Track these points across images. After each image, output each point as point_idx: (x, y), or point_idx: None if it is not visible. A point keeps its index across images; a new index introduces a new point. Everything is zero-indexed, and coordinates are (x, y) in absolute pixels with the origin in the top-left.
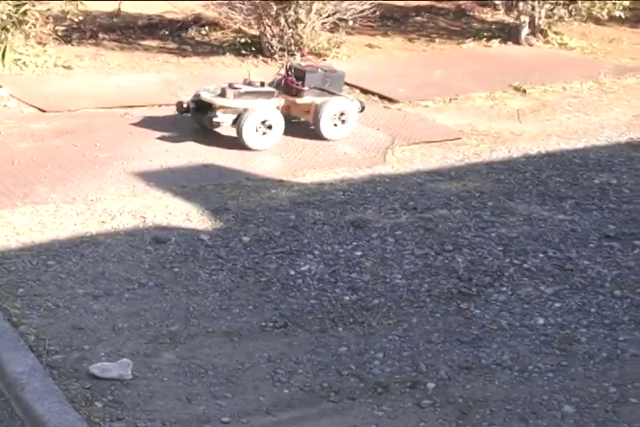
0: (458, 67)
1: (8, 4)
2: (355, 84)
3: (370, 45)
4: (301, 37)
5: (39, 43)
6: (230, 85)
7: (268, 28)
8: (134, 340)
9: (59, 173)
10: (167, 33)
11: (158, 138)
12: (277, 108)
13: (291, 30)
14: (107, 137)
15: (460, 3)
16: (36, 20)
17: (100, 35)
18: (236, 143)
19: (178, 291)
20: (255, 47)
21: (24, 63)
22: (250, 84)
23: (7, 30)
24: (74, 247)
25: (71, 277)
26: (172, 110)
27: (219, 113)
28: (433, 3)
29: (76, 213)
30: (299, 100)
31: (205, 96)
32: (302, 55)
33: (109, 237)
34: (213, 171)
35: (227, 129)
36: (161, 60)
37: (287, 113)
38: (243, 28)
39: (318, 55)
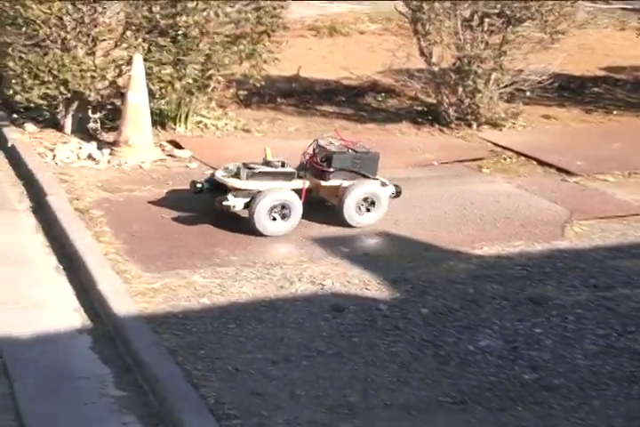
0: (637, 140)
1: (195, 68)
2: (531, 156)
3: (546, 116)
4: (478, 107)
5: (220, 106)
6: (245, 165)
7: (445, 97)
8: (312, 408)
9: (239, 237)
10: (344, 99)
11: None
12: (301, 190)
13: (468, 99)
14: None
15: (638, 74)
16: (219, 83)
17: (279, 99)
18: (412, 211)
19: (356, 361)
20: (432, 115)
21: (205, 125)
22: (268, 163)
23: (192, 93)
24: (253, 311)
25: (250, 341)
26: None
27: (230, 196)
28: (610, 74)
29: (255, 277)
30: (324, 183)
31: (219, 176)
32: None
33: (288, 303)
34: (392, 239)
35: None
36: (337, 126)
37: (316, 196)
38: (419, 95)
39: (495, 125)
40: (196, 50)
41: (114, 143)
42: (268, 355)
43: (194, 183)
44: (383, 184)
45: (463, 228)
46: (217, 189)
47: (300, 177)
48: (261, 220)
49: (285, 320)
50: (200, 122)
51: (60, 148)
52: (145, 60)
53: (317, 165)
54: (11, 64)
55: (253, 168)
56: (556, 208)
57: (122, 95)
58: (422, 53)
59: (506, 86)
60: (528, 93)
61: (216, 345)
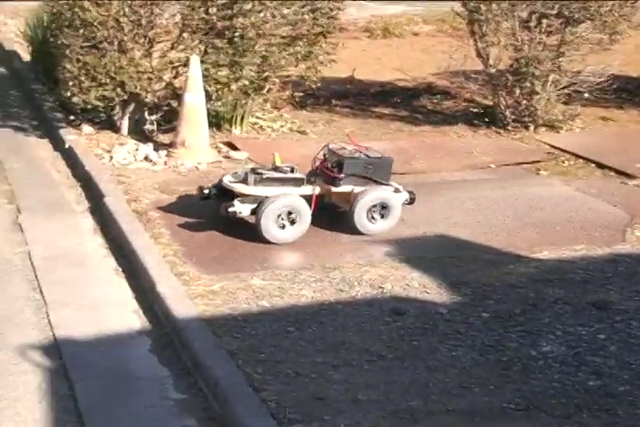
0: None
1: (251, 70)
2: (589, 158)
3: (604, 118)
4: (536, 109)
5: (275, 107)
6: (253, 170)
7: (502, 99)
8: (374, 413)
9: (298, 238)
10: (399, 100)
11: None
12: (311, 196)
13: (525, 101)
14: None
15: None
16: (274, 85)
17: (334, 101)
18: (470, 214)
19: (417, 365)
20: (488, 117)
21: (260, 127)
22: (276, 169)
23: (248, 95)
24: (313, 315)
25: (311, 344)
26: (406, 179)
27: (236, 202)
28: None
29: (314, 280)
30: (334, 189)
31: (226, 181)
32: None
33: (348, 306)
34: (450, 242)
35: (453, 203)
36: (393, 128)
37: (328, 202)
38: (475, 97)
39: (552, 127)
40: (252, 51)
41: (170, 145)
42: (328, 359)
43: (201, 189)
44: (396, 190)
45: (522, 231)
46: (224, 194)
47: (310, 183)
48: (268, 226)
49: (346, 324)
50: (255, 123)
51: (117, 149)
52: (201, 61)
53: (328, 170)
54: (68, 66)
55: (261, 173)
56: (616, 212)
57: (178, 97)
58: (479, 55)
59: (563, 88)
60: (586, 95)
61: (276, 348)
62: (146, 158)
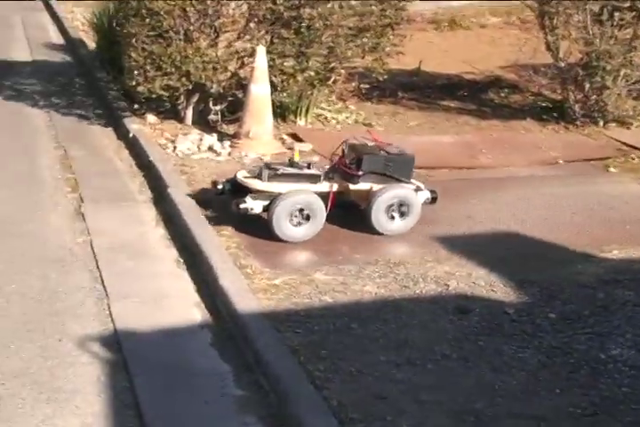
0: None
1: (317, 61)
2: None
3: None
4: (606, 104)
5: (340, 99)
6: (268, 165)
7: (571, 93)
8: (437, 414)
9: (361, 233)
10: (465, 94)
11: (459, 202)
12: (328, 193)
13: (595, 96)
14: None
15: None
16: (340, 76)
17: (399, 93)
18: (538, 211)
19: (482, 366)
20: (557, 112)
21: (325, 119)
22: (293, 164)
23: (314, 86)
24: (377, 311)
25: (374, 342)
26: (473, 174)
27: (248, 198)
28: None
29: (378, 276)
30: (352, 186)
31: (240, 177)
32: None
33: (412, 303)
34: (517, 240)
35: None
36: (460, 122)
37: (346, 199)
38: (544, 91)
39: (622, 123)
40: (318, 42)
41: (234, 135)
42: (391, 357)
43: (215, 184)
44: (417, 189)
45: (591, 229)
46: (238, 190)
47: (329, 179)
48: (280, 224)
49: (409, 321)
50: (320, 115)
51: (181, 139)
52: (267, 51)
53: (346, 167)
54: (134, 55)
55: (275, 169)
56: None
57: (243, 87)
58: (548, 48)
59: (635, 83)
60: None
61: (338, 345)
62: (210, 149)
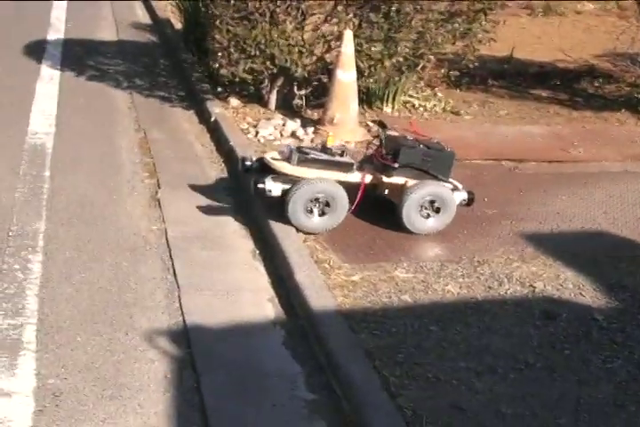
0: None
1: (406, 46)
2: None
3: None
4: None
5: (428, 86)
6: (299, 149)
7: None
8: None
9: (445, 228)
10: (558, 83)
11: (547, 197)
12: (359, 184)
13: None
14: (495, 192)
15: None
16: (429, 62)
17: (490, 81)
18: (631, 210)
19: (568, 377)
20: None
21: (413, 106)
22: (325, 150)
23: (402, 72)
24: (458, 313)
25: (453, 347)
26: (563, 168)
27: (268, 179)
28: None
29: (461, 275)
30: (386, 179)
31: (268, 158)
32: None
33: (496, 306)
34: (608, 240)
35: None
36: (551, 112)
37: (379, 193)
38: None
39: None
40: (408, 27)
41: (318, 121)
42: (472, 364)
43: (243, 160)
44: (455, 188)
45: None
46: (266, 171)
47: (361, 170)
48: (296, 212)
49: (492, 326)
50: (408, 102)
51: (264, 124)
52: (355, 36)
53: (382, 158)
54: (218, 37)
55: (306, 153)
56: None
57: (329, 72)
58: None
59: None
60: None
61: (416, 349)
62: (292, 135)
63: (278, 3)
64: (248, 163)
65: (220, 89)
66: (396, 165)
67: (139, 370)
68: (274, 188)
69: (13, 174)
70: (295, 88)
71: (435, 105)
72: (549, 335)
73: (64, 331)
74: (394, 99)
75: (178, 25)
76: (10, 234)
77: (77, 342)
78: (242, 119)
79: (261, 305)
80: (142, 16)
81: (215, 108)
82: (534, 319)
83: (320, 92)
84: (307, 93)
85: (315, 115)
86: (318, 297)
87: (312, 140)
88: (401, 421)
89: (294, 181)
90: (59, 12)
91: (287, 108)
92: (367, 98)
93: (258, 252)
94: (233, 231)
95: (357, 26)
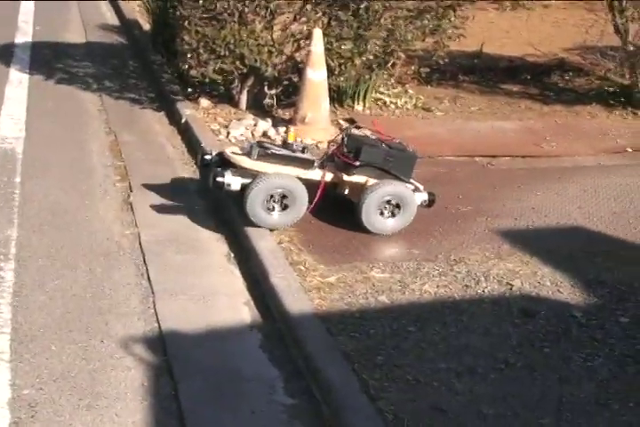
0: None
1: (376, 44)
2: None
3: None
4: None
5: (399, 83)
6: (259, 144)
7: None
8: None
9: (419, 226)
10: (528, 77)
11: (522, 193)
12: (319, 182)
13: None
14: (468, 189)
15: None
16: (399, 59)
17: (460, 76)
18: (606, 204)
19: (548, 376)
20: (624, 97)
21: (384, 103)
22: (286, 146)
23: (372, 70)
24: (435, 313)
25: (432, 347)
26: (536, 163)
27: (228, 172)
28: None
29: (437, 274)
30: (346, 177)
31: (228, 152)
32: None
33: (473, 305)
34: (584, 235)
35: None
36: (523, 107)
37: (339, 192)
38: (611, 76)
39: None
40: (377, 24)
41: (290, 121)
42: (451, 364)
43: (203, 154)
44: (416, 189)
45: None
46: (225, 165)
47: (322, 167)
48: (255, 207)
49: (471, 325)
50: (379, 99)
51: (235, 125)
52: (324, 34)
53: (343, 156)
54: (187, 38)
55: (267, 148)
56: None
57: (299, 71)
58: (617, 31)
59: None
60: None
61: (395, 351)
62: (264, 135)
63: (247, 2)
64: (208, 157)
65: (190, 90)
66: (357, 164)
67: (115, 378)
68: (233, 182)
69: None
70: (266, 88)
71: (406, 102)
72: (528, 333)
73: (38, 340)
74: (365, 97)
75: (146, 26)
76: None
77: (52, 351)
78: (213, 120)
79: (237, 309)
80: (110, 17)
81: (186, 110)
82: (512, 317)
83: (290, 92)
84: (277, 93)
85: (286, 114)
86: (295, 300)
87: (283, 140)
88: (382, 424)
89: (254, 175)
90: (26, 16)
91: (258, 108)
92: (338, 96)
93: (232, 255)
94: (207, 234)
95: (327, 24)
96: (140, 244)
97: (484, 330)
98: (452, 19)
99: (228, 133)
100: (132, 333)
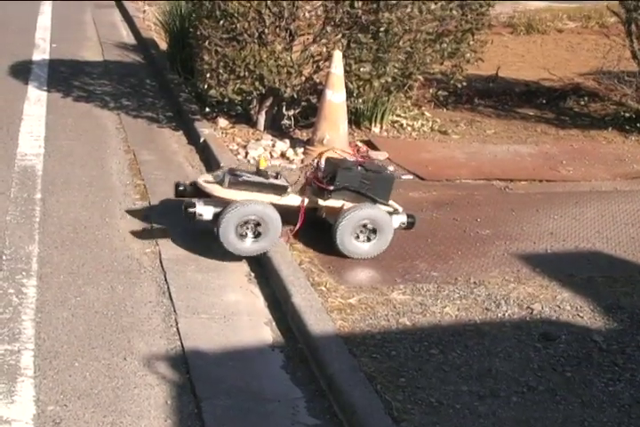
0: None
1: (395, 66)
2: None
3: None
4: None
5: (415, 105)
6: (231, 171)
7: None
8: None
9: (439, 249)
10: (544, 101)
11: (540, 217)
12: (298, 208)
13: None
14: (487, 212)
15: None
16: (417, 82)
17: (476, 100)
18: (624, 229)
19: (571, 400)
20: None
21: (401, 126)
22: (259, 173)
23: (390, 92)
24: (457, 336)
25: (455, 370)
26: (553, 187)
27: (199, 202)
28: None
29: (458, 297)
30: (322, 202)
31: (200, 181)
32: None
33: (494, 328)
34: (603, 260)
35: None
36: (539, 131)
37: (319, 215)
38: (627, 101)
39: None
40: (396, 47)
41: (308, 142)
42: (474, 387)
43: (177, 185)
44: (395, 212)
45: None
46: (200, 194)
47: (302, 193)
48: (228, 235)
49: (492, 348)
50: (396, 122)
51: (253, 145)
52: (344, 56)
53: (317, 181)
54: (206, 58)
55: (239, 175)
56: None
57: (318, 92)
58: (634, 56)
59: None
60: None
61: (417, 373)
62: (282, 155)
63: (267, 23)
64: (181, 188)
65: (208, 109)
66: (331, 188)
67: (138, 396)
68: (205, 211)
69: (4, 197)
70: (284, 108)
71: (422, 124)
72: (550, 358)
73: (61, 356)
74: (382, 119)
75: (163, 45)
76: (3, 258)
77: (75, 368)
78: (231, 140)
79: (259, 329)
80: (126, 36)
81: (204, 129)
82: (534, 341)
83: (308, 113)
84: (295, 114)
85: (304, 135)
86: (317, 321)
87: (302, 161)
88: None
89: (227, 204)
90: (43, 33)
91: (276, 129)
92: (356, 118)
93: (253, 274)
94: (227, 253)
95: (346, 46)
96: (160, 262)
97: (505, 354)
98: (471, 42)
99: (247, 154)
100: (154, 351)
